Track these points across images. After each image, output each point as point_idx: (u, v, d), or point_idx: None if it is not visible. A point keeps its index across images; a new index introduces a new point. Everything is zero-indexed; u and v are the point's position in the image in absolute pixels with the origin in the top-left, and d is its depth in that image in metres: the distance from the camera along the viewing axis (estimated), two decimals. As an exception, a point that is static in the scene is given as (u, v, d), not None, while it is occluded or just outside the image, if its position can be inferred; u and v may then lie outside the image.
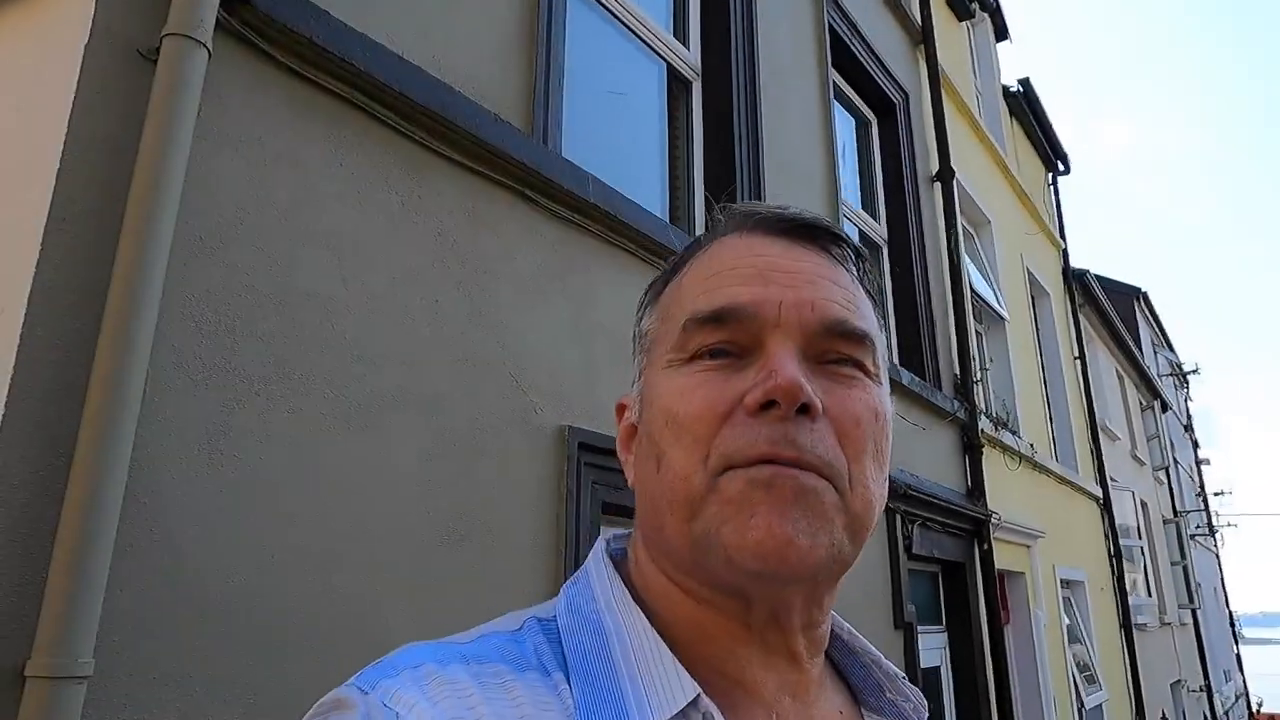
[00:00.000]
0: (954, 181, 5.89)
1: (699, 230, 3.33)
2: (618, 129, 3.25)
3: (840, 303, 0.55)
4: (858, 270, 0.60)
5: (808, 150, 4.16)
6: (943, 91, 6.20)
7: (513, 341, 2.16)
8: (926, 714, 0.62)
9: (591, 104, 3.04)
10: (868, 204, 5.23)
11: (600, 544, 0.61)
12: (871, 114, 5.44)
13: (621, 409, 0.64)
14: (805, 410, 0.50)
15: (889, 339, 5.01)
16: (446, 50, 2.13)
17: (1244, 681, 18.78)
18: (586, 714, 0.48)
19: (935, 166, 5.88)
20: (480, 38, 2.26)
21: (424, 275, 1.97)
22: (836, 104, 4.78)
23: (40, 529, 1.26)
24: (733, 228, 0.60)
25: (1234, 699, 15.75)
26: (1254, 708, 13.87)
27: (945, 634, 4.88)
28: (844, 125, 5.10)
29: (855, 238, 4.95)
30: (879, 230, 5.21)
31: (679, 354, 0.55)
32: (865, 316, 0.56)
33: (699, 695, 0.49)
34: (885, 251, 5.22)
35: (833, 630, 0.61)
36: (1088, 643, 7.40)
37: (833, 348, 0.54)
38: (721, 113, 3.53)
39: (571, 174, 2.40)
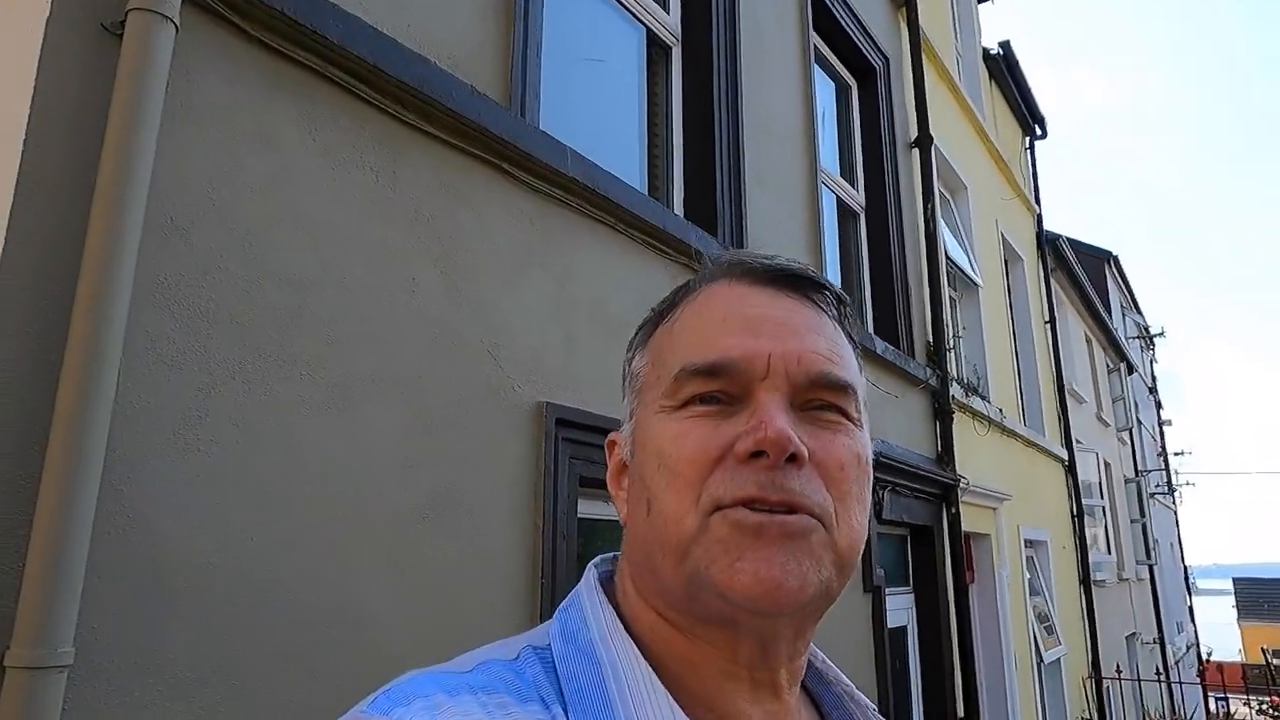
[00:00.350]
0: (932, 148, 5.89)
1: (678, 202, 3.32)
2: (596, 98, 3.20)
3: (824, 354, 0.58)
4: (839, 315, 0.62)
5: (788, 116, 4.13)
6: (923, 55, 6.16)
7: (491, 318, 2.16)
8: None
9: (569, 72, 2.99)
10: (846, 171, 5.22)
11: (591, 571, 0.63)
12: (852, 78, 5.40)
13: (612, 445, 0.66)
14: (793, 459, 0.53)
15: (865, 306, 5.05)
16: (422, 21, 2.08)
17: (1195, 632, 19.53)
18: None
19: (914, 133, 5.86)
20: (456, 7, 2.21)
21: (401, 253, 1.95)
22: (817, 68, 4.74)
23: (16, 518, 1.26)
24: (721, 275, 0.62)
25: (1185, 649, 16.40)
26: (1204, 657, 14.46)
27: (912, 594, 5.01)
28: (824, 90, 5.05)
29: (834, 207, 4.97)
30: (857, 197, 5.21)
31: (671, 400, 0.57)
32: (847, 365, 0.59)
33: None
34: (863, 219, 5.23)
35: (809, 660, 0.64)
36: (1048, 600, 7.64)
37: (818, 396, 0.57)
38: (701, 79, 3.49)
39: (550, 147, 2.37)
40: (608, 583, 0.62)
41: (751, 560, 0.51)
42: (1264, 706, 9.68)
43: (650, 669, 0.54)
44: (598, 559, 0.65)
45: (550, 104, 2.64)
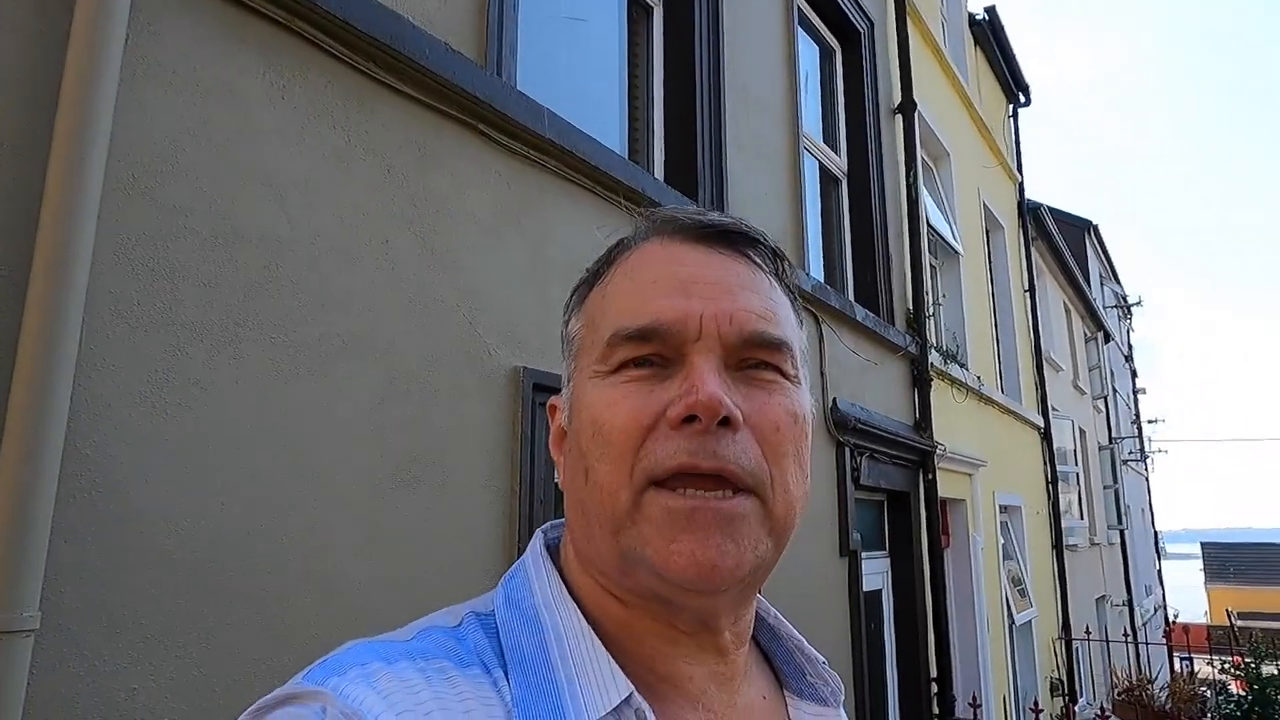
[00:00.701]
0: (915, 114, 5.86)
1: (658, 166, 3.28)
2: (575, 59, 3.15)
3: (758, 312, 0.57)
4: (776, 269, 0.61)
5: (770, 80, 4.08)
6: (908, 19, 6.10)
7: (466, 282, 2.13)
8: (842, 696, 0.66)
9: (548, 31, 2.94)
10: (829, 136, 5.18)
11: (538, 537, 0.63)
12: (835, 42, 5.34)
13: (553, 409, 0.65)
14: (725, 423, 0.52)
15: (846, 274, 5.05)
16: (393, -26, 2.02)
17: (1163, 595, 20.04)
18: (524, 710, 0.50)
19: (898, 98, 5.83)
20: (430, -40, 2.15)
21: (373, 214, 1.91)
22: (800, 30, 4.68)
23: (-23, 482, 1.23)
24: (653, 233, 0.61)
25: (1153, 611, 16.82)
26: (1171, 619, 14.85)
27: (888, 559, 5.09)
28: (807, 53, 5.00)
29: (815, 173, 4.94)
30: (839, 163, 5.18)
31: (604, 365, 0.56)
32: (783, 321, 0.58)
33: (631, 693, 0.51)
34: (844, 185, 5.20)
35: (759, 615, 0.65)
36: (1021, 563, 7.79)
37: (752, 355, 0.56)
38: (683, 40, 3.43)
39: (526, 107, 2.33)
40: (555, 548, 0.62)
41: (686, 543, 0.51)
42: (1226, 666, 9.97)
43: (592, 632, 0.54)
44: (547, 525, 0.65)
45: (528, 64, 2.59)
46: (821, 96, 5.23)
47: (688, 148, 3.31)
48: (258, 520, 1.58)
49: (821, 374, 4.00)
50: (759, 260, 0.60)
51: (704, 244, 0.59)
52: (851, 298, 4.82)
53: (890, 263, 5.21)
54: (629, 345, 0.55)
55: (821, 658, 0.66)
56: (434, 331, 2.02)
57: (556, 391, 0.65)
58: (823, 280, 4.51)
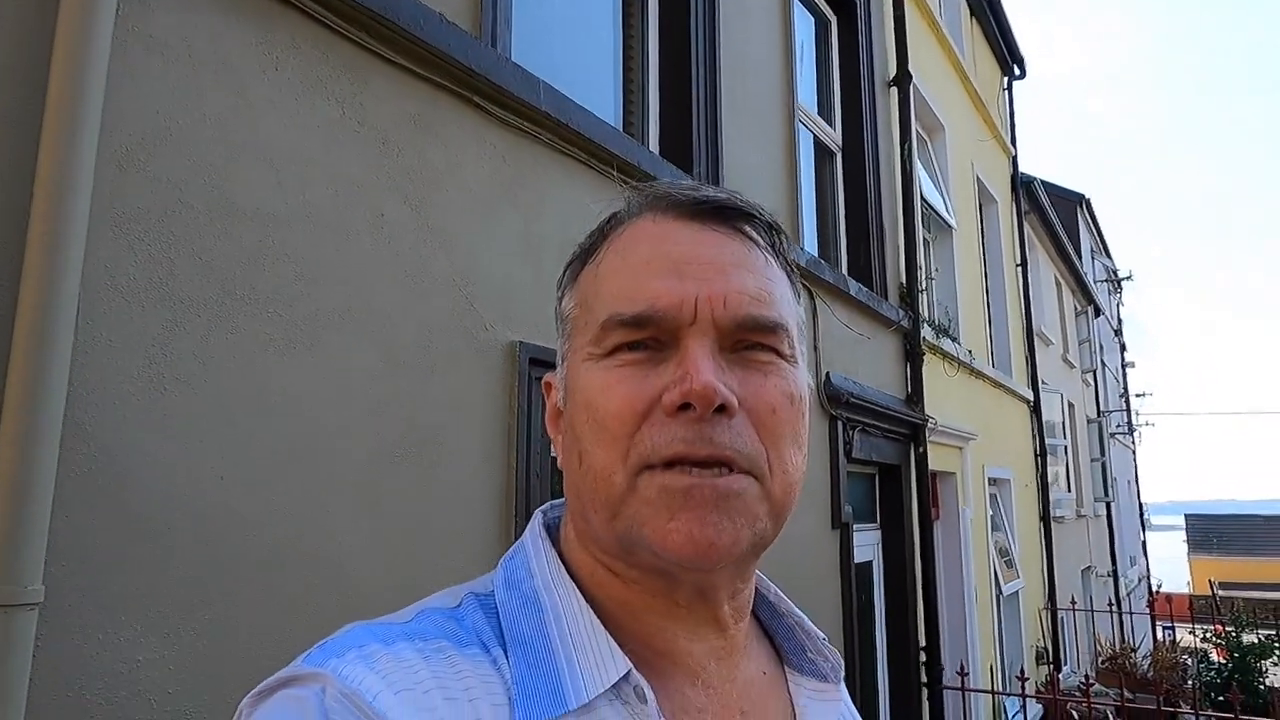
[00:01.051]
0: (911, 86, 5.82)
1: (653, 139, 3.26)
2: (570, 31, 3.11)
3: (752, 293, 0.56)
4: (771, 243, 0.60)
5: (766, 52, 4.05)
6: (904, -10, 6.04)
7: (461, 256, 2.13)
8: (842, 673, 0.66)
9: (542, 3, 2.90)
10: (824, 108, 5.15)
11: (538, 517, 0.63)
12: (831, 12, 5.29)
13: (549, 387, 0.65)
14: (721, 409, 0.52)
15: (840, 248, 5.05)
16: (387, -58, 1.99)
17: (1147, 565, 20.35)
18: (524, 688, 0.51)
19: (893, 70, 5.79)
20: (423, -72, 2.11)
21: (367, 187, 1.90)
22: (796, 1, 4.63)
23: (-23, 457, 1.23)
24: (645, 209, 0.60)
25: (1137, 581, 17.09)
26: (1154, 589, 15.10)
27: (879, 531, 5.15)
28: (803, 24, 4.95)
29: (810, 145, 4.92)
30: (834, 136, 5.16)
31: (597, 348, 0.56)
32: (779, 300, 0.58)
33: (630, 670, 0.52)
34: (839, 158, 5.18)
35: (759, 592, 0.66)
36: (1009, 535, 7.89)
37: (747, 338, 0.55)
38: (678, 10, 3.39)
39: (522, 79, 2.31)
40: (554, 528, 0.63)
41: (684, 521, 0.51)
42: (1208, 635, 10.16)
43: (592, 612, 0.55)
44: (546, 505, 0.65)
45: (522, 35, 2.56)
46: (816, 69, 5.19)
47: (683, 121, 3.28)
48: (257, 495, 1.59)
49: (815, 348, 4.02)
50: (755, 235, 0.59)
51: (698, 221, 0.58)
52: (845, 272, 4.82)
53: (884, 237, 5.21)
54: (623, 330, 0.55)
55: (822, 634, 0.67)
56: (430, 306, 2.02)
57: (552, 366, 0.64)
58: (817, 255, 4.51)
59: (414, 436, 1.93)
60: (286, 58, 1.75)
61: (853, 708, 0.71)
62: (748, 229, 0.59)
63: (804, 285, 3.91)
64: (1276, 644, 8.84)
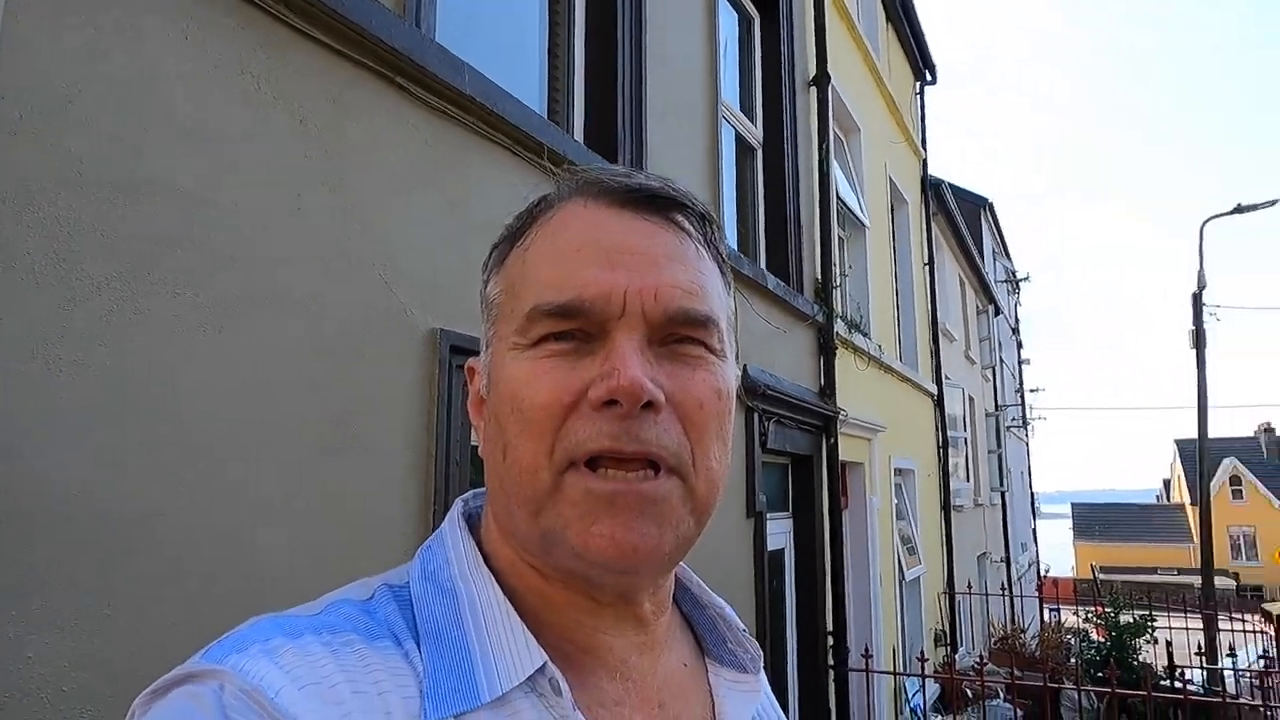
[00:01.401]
0: (829, 87, 5.97)
1: (578, 128, 3.25)
2: (496, 15, 3.07)
3: (684, 286, 0.55)
4: (704, 234, 0.59)
5: (691, 45, 4.08)
6: (825, -8, 6.18)
7: (382, 240, 2.08)
8: (762, 663, 0.67)
9: (468, -18, 2.84)
10: (746, 105, 5.24)
11: (458, 506, 0.62)
12: (755, 10, 5.37)
13: (471, 372, 0.63)
14: (649, 405, 0.51)
15: (760, 243, 5.15)
16: (308, -87, 1.92)
17: (1037, 551, 21.55)
18: (435, 681, 0.50)
19: (813, 70, 5.92)
20: (346, -100, 2.05)
21: (284, 167, 1.84)
22: (721, -2, 4.69)
23: None
24: (575, 194, 0.58)
25: (1027, 566, 18.08)
26: (1042, 573, 16.01)
27: (791, 519, 5.29)
28: (727, 20, 5.01)
29: (732, 141, 4.99)
30: (755, 133, 5.25)
31: (523, 338, 0.55)
32: (711, 293, 0.57)
33: (546, 663, 0.51)
34: (760, 155, 5.28)
35: (682, 583, 0.66)
36: (912, 523, 8.23)
37: (677, 331, 0.55)
38: (604, 0, 3.39)
39: (446, 61, 2.26)
40: (475, 518, 0.62)
41: (608, 525, 0.50)
42: (1089, 615, 10.85)
43: (509, 604, 0.54)
44: (469, 494, 0.64)
45: (447, 16, 2.51)
46: (740, 65, 5.27)
47: (608, 111, 3.29)
48: (163, 483, 1.53)
49: (735, 342, 4.09)
50: (688, 226, 0.58)
51: (630, 209, 0.57)
52: (764, 266, 4.92)
53: (801, 233, 5.33)
54: (550, 320, 0.53)
55: (742, 625, 0.67)
56: (350, 292, 1.97)
57: (475, 354, 0.63)
58: (737, 249, 4.59)
59: (331, 424, 1.88)
60: (199, 28, 1.67)
61: (772, 697, 0.72)
62: (680, 219, 0.58)
63: (724, 279, 4.00)
64: (1149, 623, 9.50)
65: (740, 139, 5.11)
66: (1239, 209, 14.20)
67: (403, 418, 2.08)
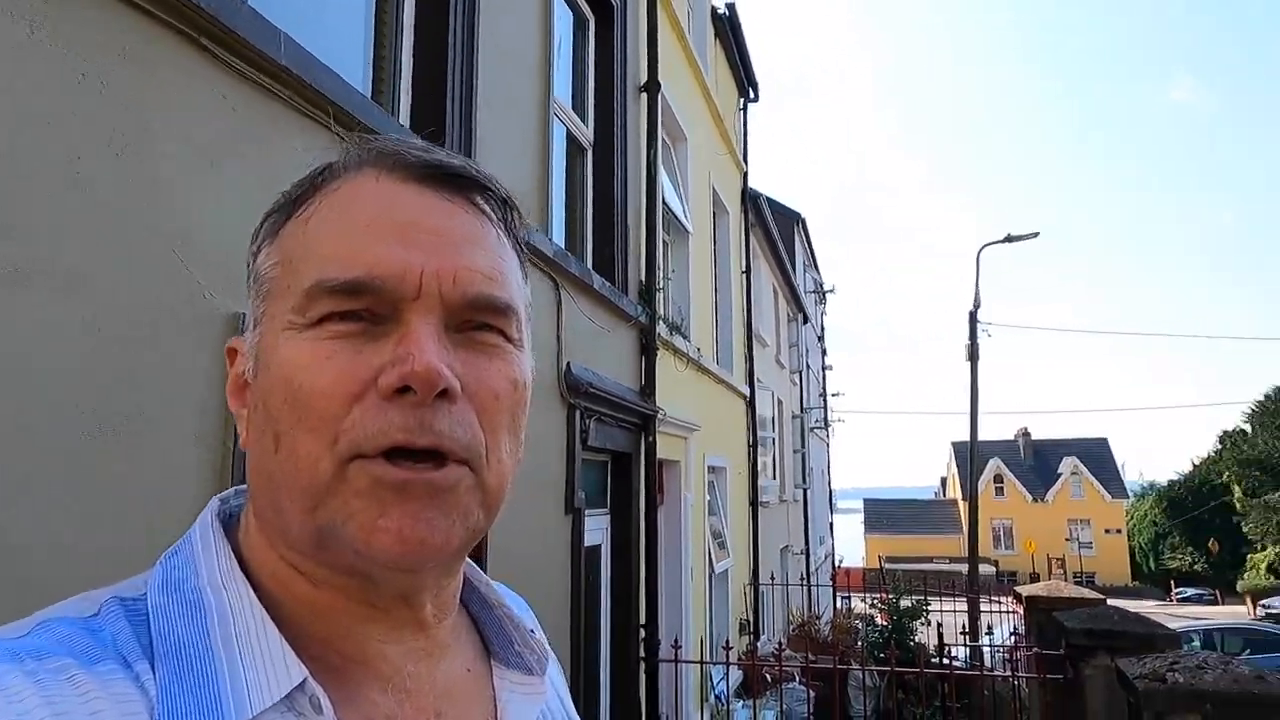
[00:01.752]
0: (660, 94, 6.13)
1: (404, 111, 3.14)
2: (318, -19, 2.89)
3: (484, 271, 0.52)
4: (504, 218, 0.57)
5: (526, 38, 4.05)
6: (658, 2, 6.34)
7: (178, 214, 1.90)
8: (548, 665, 0.63)
9: (288, -55, 2.66)
10: (578, 105, 5.27)
11: (213, 505, 0.56)
12: (590, 11, 5.42)
13: (233, 353, 0.57)
14: (444, 394, 0.48)
15: (587, 242, 5.19)
16: None
17: (833, 544, 23.28)
18: (171, 706, 0.44)
19: (644, 76, 6.06)
20: None
21: (62, 125, 1.64)
22: (557, -5, 4.69)
23: None
24: (368, 164, 0.53)
25: (824, 558, 19.47)
26: (837, 564, 17.32)
27: (608, 516, 5.39)
28: (563, 18, 5.02)
29: (564, 139, 5.00)
30: (587, 133, 5.29)
31: (302, 317, 0.50)
32: (509, 282, 0.55)
33: (305, 679, 0.47)
34: (590, 155, 5.33)
35: (470, 582, 0.62)
36: (723, 519, 8.63)
37: (475, 318, 0.52)
38: (437, -17, 3.29)
39: (260, 28, 2.11)
40: (236, 517, 0.56)
41: (395, 518, 0.47)
42: (874, 602, 11.87)
43: (264, 613, 0.49)
44: (228, 491, 0.58)
45: (262, -22, 2.34)
46: (574, 65, 5.29)
47: (437, 96, 3.19)
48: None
49: (558, 339, 4.11)
50: (488, 209, 0.55)
51: (429, 186, 0.53)
52: (590, 266, 4.98)
53: (628, 235, 5.44)
54: (334, 298, 0.49)
55: (531, 626, 0.64)
56: (138, 269, 1.78)
57: None
58: (564, 247, 4.60)
59: (115, 413, 1.70)
60: (-44, -44, 1.46)
61: (564, 697, 0.69)
62: (481, 202, 0.55)
63: (550, 276, 3.99)
64: (924, 608, 10.52)
65: (572, 138, 5.13)
66: (1009, 238, 16.02)
67: (196, 409, 1.92)
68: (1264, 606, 27.57)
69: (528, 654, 0.62)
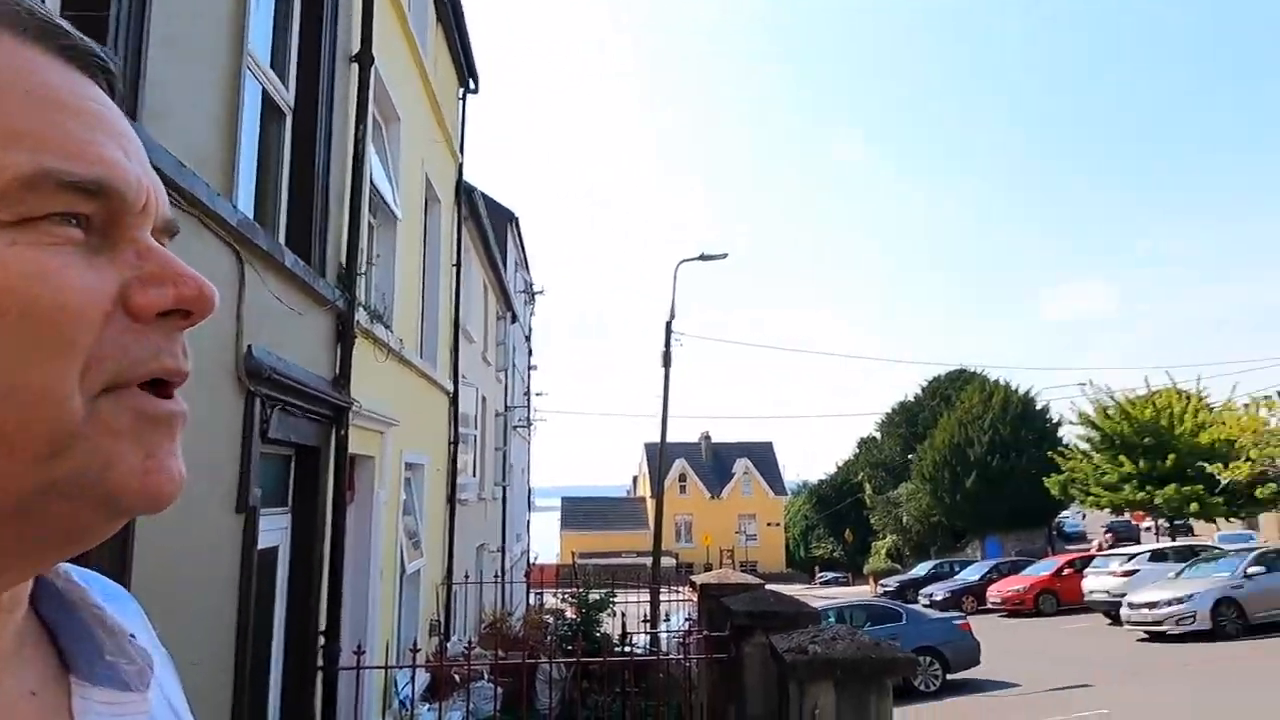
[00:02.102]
0: (372, 68, 5.79)
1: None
2: None
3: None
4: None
5: (215, -22, 3.59)
6: (377, -29, 6.00)
7: None
8: (152, 677, 0.51)
9: None
10: (278, 64, 4.79)
11: None
12: (298, -35, 4.96)
13: None
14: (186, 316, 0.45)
15: (280, 215, 4.73)
16: None
17: (529, 541, 23.67)
18: None
19: (356, 46, 5.69)
20: None
21: None
22: (259, -62, 4.22)
23: None
24: (4, 24, 0.41)
25: (520, 555, 19.72)
26: (531, 561, 17.62)
27: (289, 514, 4.95)
28: (264, -35, 4.54)
29: (258, 98, 4.52)
30: (287, 96, 4.83)
31: (10, 213, 0.38)
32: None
33: None
34: (289, 121, 4.87)
35: (43, 579, 0.49)
36: (418, 517, 8.36)
37: (161, 241, 0.47)
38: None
39: None
40: None
41: (164, 457, 0.42)
42: (565, 596, 12.25)
43: None
44: None
45: None
46: (275, 19, 4.80)
47: (95, 19, 2.70)
48: None
49: (238, 317, 3.68)
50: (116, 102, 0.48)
51: (82, 69, 0.43)
52: (283, 241, 4.54)
53: (329, 212, 5.06)
54: (68, 195, 0.39)
55: (128, 630, 0.51)
56: None
57: None
58: (252, 217, 4.15)
59: None
60: None
61: (179, 710, 0.56)
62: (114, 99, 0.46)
63: (233, 247, 3.57)
64: (611, 599, 11.06)
65: (269, 99, 4.65)
66: (703, 256, 17.48)
67: None
68: (882, 585, 32.93)
69: (123, 665, 0.49)
